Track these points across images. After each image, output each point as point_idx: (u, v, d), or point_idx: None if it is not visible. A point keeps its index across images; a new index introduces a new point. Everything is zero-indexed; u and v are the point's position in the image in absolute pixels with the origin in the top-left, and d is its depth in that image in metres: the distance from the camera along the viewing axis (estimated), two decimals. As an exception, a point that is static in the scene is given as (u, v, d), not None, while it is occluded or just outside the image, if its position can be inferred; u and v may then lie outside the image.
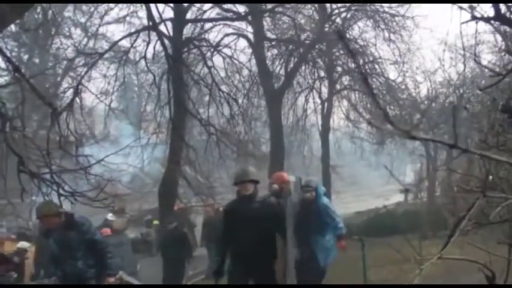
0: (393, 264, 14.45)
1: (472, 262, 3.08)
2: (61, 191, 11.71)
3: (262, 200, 8.91)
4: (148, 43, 20.02)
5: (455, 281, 10.19)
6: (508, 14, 4.40)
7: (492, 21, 4.42)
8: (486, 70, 16.19)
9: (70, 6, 23.56)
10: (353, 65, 26.81)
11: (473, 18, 4.15)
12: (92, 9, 23.35)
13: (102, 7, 22.83)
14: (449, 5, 6.05)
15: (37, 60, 28.04)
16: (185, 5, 21.41)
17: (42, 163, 11.72)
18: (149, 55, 20.61)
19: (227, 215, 9.13)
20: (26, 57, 27.95)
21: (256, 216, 8.60)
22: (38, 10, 20.92)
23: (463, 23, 4.36)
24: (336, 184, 30.93)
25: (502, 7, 4.29)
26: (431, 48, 37.43)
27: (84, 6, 23.72)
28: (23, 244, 14.71)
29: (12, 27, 20.51)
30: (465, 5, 4.32)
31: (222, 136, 21.47)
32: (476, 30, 5.36)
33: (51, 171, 11.66)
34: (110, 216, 18.30)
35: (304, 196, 10.17)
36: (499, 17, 3.93)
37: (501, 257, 3.17)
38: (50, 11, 22.97)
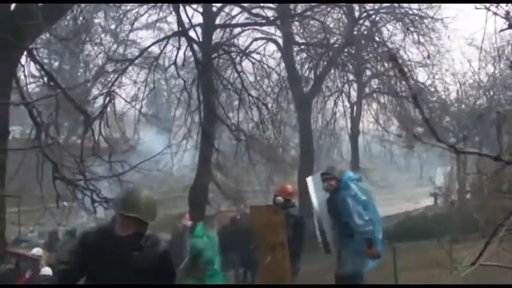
0: (424, 268, 14.35)
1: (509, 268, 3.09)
2: (95, 197, 11.95)
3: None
4: (178, 49, 20.18)
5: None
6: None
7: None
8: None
9: (100, 13, 23.75)
10: (382, 68, 26.67)
11: (510, 26, 4.15)
12: (122, 15, 23.47)
13: (132, 13, 22.97)
14: (482, 10, 5.96)
15: (67, 67, 28.33)
16: (214, 10, 21.51)
17: (77, 170, 11.95)
18: (179, 60, 20.80)
19: None
20: (56, 64, 28.26)
21: None
22: (69, 17, 21.13)
23: (500, 31, 4.33)
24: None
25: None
26: (460, 50, 36.92)
27: (114, 13, 23.89)
28: (38, 250, 14.61)
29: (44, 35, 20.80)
30: (501, 8, 4.29)
31: (251, 141, 21.48)
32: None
33: (85, 178, 11.87)
34: None
35: (326, 188, 8.75)
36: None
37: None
38: (81, 18, 23.29)
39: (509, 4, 4.38)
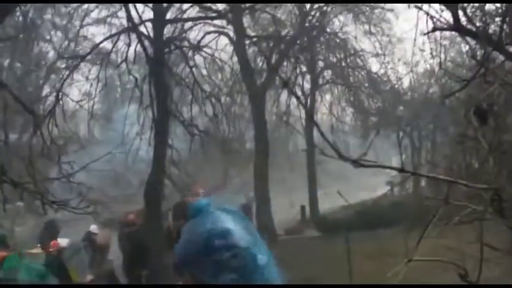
0: (379, 257, 14.57)
1: (445, 262, 3.21)
2: (44, 200, 11.81)
3: None
4: (129, 45, 20.03)
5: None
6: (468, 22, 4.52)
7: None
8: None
9: (49, 9, 23.46)
10: (334, 59, 26.91)
11: (434, 29, 4.27)
12: (72, 11, 23.21)
13: (82, 9, 22.74)
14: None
15: (18, 65, 27.93)
16: (164, 5, 21.38)
17: (25, 172, 11.79)
18: (130, 57, 20.65)
19: None
20: (7, 62, 27.82)
21: None
22: (18, 14, 20.84)
23: (425, 34, 4.47)
24: (322, 179, 31.10)
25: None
26: (412, 40, 37.38)
27: (64, 8, 23.60)
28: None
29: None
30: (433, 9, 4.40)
31: (205, 136, 21.49)
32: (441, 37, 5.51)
33: (34, 180, 11.72)
34: (93, 228, 16.73)
35: None
36: (457, 27, 4.05)
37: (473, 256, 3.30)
38: (29, 15, 22.99)
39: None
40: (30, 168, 11.80)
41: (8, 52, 26.84)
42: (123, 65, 21.61)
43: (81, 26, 23.93)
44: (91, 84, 23.02)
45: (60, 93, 18.57)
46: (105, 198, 16.68)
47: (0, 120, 12.86)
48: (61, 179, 12.14)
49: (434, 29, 4.21)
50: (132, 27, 18.96)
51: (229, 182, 27.79)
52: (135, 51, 20.25)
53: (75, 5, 22.27)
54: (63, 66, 22.67)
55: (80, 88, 24.55)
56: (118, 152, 19.53)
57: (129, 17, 18.66)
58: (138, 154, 22.48)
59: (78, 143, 19.56)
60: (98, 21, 24.06)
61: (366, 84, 27.97)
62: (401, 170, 2.43)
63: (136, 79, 21.12)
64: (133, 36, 20.14)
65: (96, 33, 25.78)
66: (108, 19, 23.28)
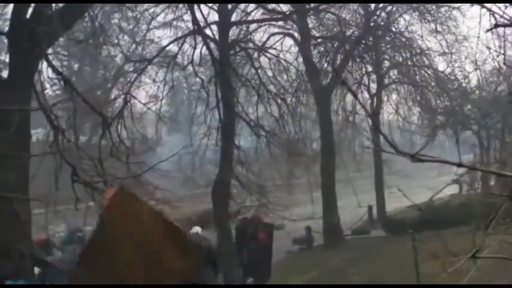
0: (446, 256, 14.26)
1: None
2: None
3: None
4: (194, 47, 20.27)
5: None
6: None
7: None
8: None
9: (117, 14, 23.89)
10: (400, 58, 26.54)
11: (496, 26, 4.21)
12: (139, 15, 23.59)
13: (149, 12, 23.08)
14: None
15: (88, 69, 28.62)
16: (229, 7, 21.52)
17: (95, 172, 12.09)
18: (196, 59, 20.91)
19: None
20: (76, 66, 28.54)
21: None
22: (86, 19, 21.31)
23: (487, 31, 4.41)
24: (388, 178, 30.73)
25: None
26: (479, 37, 36.52)
27: (130, 13, 24.02)
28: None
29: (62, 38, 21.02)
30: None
31: (271, 136, 21.53)
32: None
33: (104, 179, 11.99)
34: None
35: None
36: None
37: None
38: (98, 19, 23.48)
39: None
40: (100, 168, 12.11)
41: (77, 57, 27.54)
42: (190, 67, 21.87)
43: (148, 30, 24.28)
44: (158, 87, 23.46)
45: (128, 96, 18.94)
46: (173, 198, 16.67)
47: (70, 122, 13.20)
48: (129, 179, 12.37)
49: (496, 26, 4.14)
50: (197, 30, 19.18)
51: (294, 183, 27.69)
52: (200, 53, 20.52)
53: (141, 9, 22.62)
54: (131, 69, 23.04)
55: (148, 90, 25.06)
56: (185, 153, 19.79)
57: (194, 20, 18.87)
58: (205, 155, 22.68)
59: (146, 145, 19.78)
60: (164, 25, 24.34)
61: (433, 83, 27.49)
62: (459, 165, 2.38)
63: (202, 81, 21.36)
64: (199, 38, 20.42)
65: (163, 36, 26.19)
66: (174, 22, 23.50)
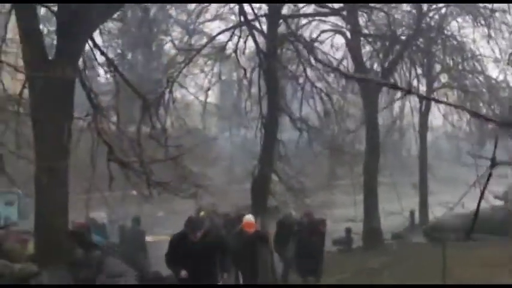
0: (485, 266, 14.19)
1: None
2: (149, 181, 12.23)
3: None
4: (239, 37, 20.43)
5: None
6: None
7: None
8: None
9: (169, 5, 24.14)
10: (451, 62, 26.08)
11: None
12: (193, 6, 23.81)
13: (201, 5, 23.27)
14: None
15: (140, 58, 28.96)
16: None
17: (132, 153, 12.27)
18: (244, 50, 21.05)
19: None
20: (130, 55, 28.87)
21: None
22: (142, 7, 21.55)
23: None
24: (432, 184, 30.31)
25: None
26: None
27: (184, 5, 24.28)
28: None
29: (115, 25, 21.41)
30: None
31: (313, 133, 21.46)
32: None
33: (140, 160, 12.16)
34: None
35: None
36: None
37: None
38: (152, 10, 23.86)
39: None
40: (137, 148, 12.29)
41: (131, 46, 27.86)
42: (241, 60, 22.02)
43: (200, 23, 24.53)
44: (206, 77, 23.67)
45: (175, 84, 19.15)
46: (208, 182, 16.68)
47: (113, 104, 13.42)
48: (167, 161, 12.51)
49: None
50: (246, 22, 19.22)
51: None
52: (245, 44, 20.58)
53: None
54: (181, 60, 23.26)
55: (196, 80, 25.32)
56: (222, 139, 19.88)
57: (242, 11, 18.92)
58: (245, 145, 22.76)
59: (190, 133, 19.89)
60: (216, 17, 24.53)
61: (484, 90, 26.95)
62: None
63: (245, 71, 21.46)
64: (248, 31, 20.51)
65: (214, 27, 26.35)
66: (224, 15, 23.65)
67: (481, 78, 27.16)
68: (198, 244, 9.75)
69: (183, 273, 9.50)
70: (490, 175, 2.72)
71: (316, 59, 19.91)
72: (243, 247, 12.72)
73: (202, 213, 17.69)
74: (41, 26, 12.66)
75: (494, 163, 2.39)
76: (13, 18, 12.78)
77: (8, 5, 13.31)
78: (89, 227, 16.73)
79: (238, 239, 13.20)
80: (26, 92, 11.67)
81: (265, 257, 13.44)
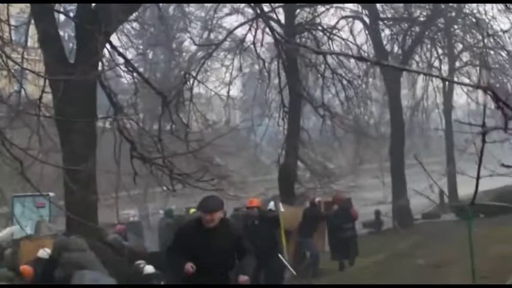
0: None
1: None
2: (172, 174, 12.53)
3: None
4: (256, 29, 20.61)
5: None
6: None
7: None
8: None
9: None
10: (472, 40, 25.91)
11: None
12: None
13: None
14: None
15: (161, 57, 29.30)
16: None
17: (153, 149, 12.59)
18: (262, 41, 21.23)
19: None
20: (151, 54, 29.20)
21: None
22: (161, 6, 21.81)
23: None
24: (460, 163, 30.18)
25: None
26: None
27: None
28: None
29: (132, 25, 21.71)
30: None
31: (336, 118, 21.58)
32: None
33: (162, 155, 12.47)
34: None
35: None
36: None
37: None
38: (171, 8, 24.19)
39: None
40: (159, 144, 12.60)
41: (151, 45, 28.17)
42: (262, 52, 22.22)
43: (218, 18, 24.79)
44: (226, 70, 23.92)
45: (187, 76, 19.36)
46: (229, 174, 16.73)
47: (133, 103, 13.76)
48: (187, 155, 12.79)
49: None
50: (262, 14, 19.38)
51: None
52: (263, 34, 20.82)
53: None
54: (202, 55, 23.52)
55: (217, 74, 25.57)
56: (241, 129, 20.02)
57: (258, 4, 19.07)
58: (267, 135, 22.95)
59: (209, 125, 20.12)
60: (233, 11, 24.73)
61: (507, 66, 26.76)
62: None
63: (264, 62, 21.64)
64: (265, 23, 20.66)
65: (233, 21, 26.54)
66: (241, 8, 23.82)
67: (503, 53, 26.91)
68: (213, 233, 6.93)
69: (189, 265, 6.69)
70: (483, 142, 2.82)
71: (325, 53, 19.84)
72: (247, 228, 12.68)
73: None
74: (60, 32, 13.03)
75: (485, 130, 2.52)
76: (32, 27, 13.20)
77: (27, 14, 13.68)
78: (126, 230, 17.10)
79: (245, 221, 13.40)
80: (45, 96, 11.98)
81: (272, 237, 13.43)
